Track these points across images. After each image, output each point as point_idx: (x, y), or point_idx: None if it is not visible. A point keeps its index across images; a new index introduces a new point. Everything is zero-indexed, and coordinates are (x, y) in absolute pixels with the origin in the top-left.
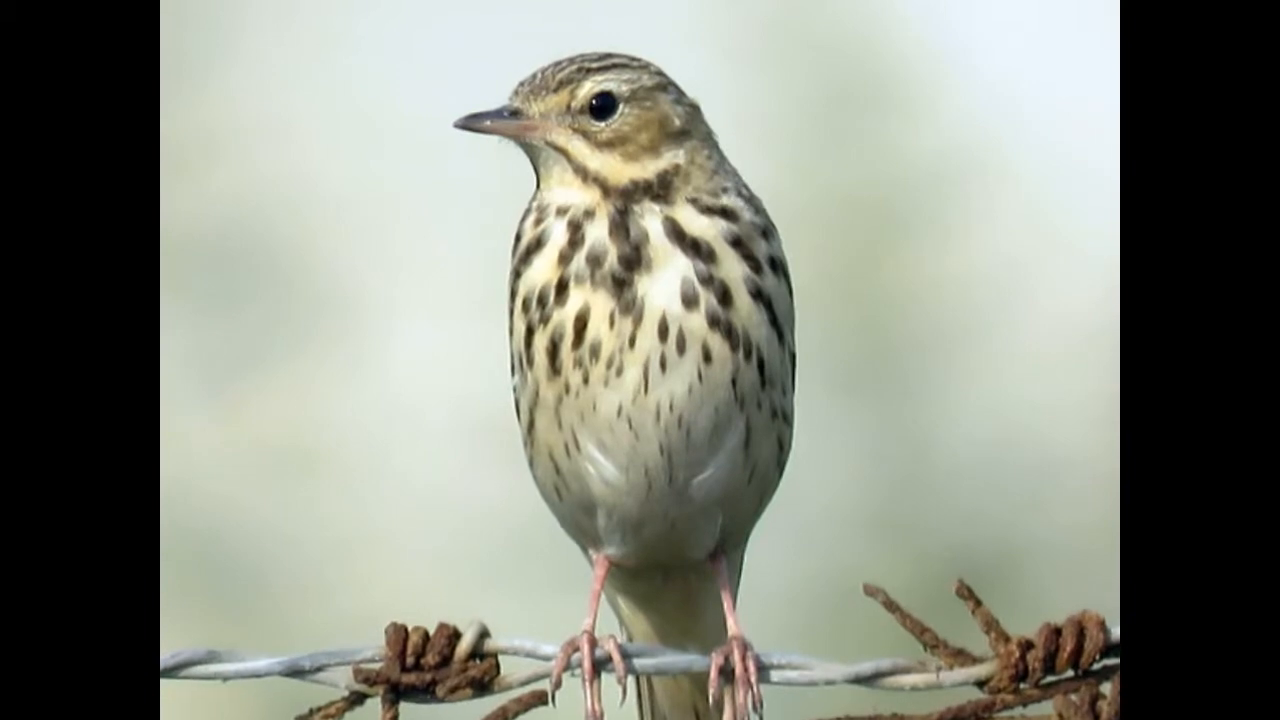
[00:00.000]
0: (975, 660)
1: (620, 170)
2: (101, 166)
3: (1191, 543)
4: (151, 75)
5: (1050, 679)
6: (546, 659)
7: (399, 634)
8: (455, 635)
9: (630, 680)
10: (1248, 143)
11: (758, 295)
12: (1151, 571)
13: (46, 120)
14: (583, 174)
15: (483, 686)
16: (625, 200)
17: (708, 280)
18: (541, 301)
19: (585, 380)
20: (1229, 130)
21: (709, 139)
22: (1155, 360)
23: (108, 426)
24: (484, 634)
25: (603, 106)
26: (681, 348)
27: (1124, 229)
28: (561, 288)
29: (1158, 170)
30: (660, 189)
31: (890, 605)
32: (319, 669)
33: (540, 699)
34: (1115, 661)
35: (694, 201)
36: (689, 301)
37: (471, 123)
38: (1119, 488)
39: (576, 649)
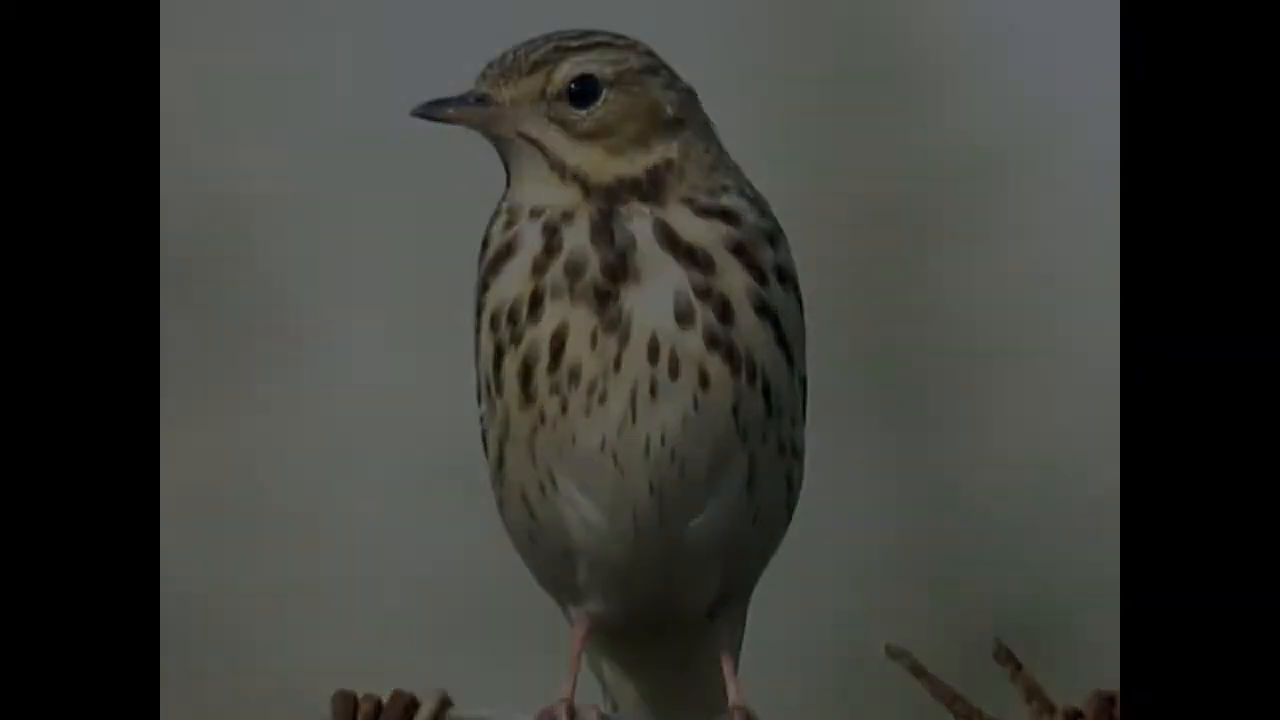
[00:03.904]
0: None
1: (603, 166)
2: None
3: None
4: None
5: None
6: None
7: (347, 703)
8: (413, 704)
9: None
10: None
11: (763, 310)
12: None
13: None
14: (560, 170)
15: None
16: (609, 200)
17: (705, 293)
18: (513, 318)
19: (563, 409)
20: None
21: (706, 130)
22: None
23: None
24: (446, 703)
25: (583, 92)
26: (675, 371)
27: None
28: (536, 302)
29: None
30: (650, 187)
31: (917, 669)
32: None
33: None
34: None
35: (689, 202)
36: (683, 318)
37: (432, 111)
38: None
39: None
